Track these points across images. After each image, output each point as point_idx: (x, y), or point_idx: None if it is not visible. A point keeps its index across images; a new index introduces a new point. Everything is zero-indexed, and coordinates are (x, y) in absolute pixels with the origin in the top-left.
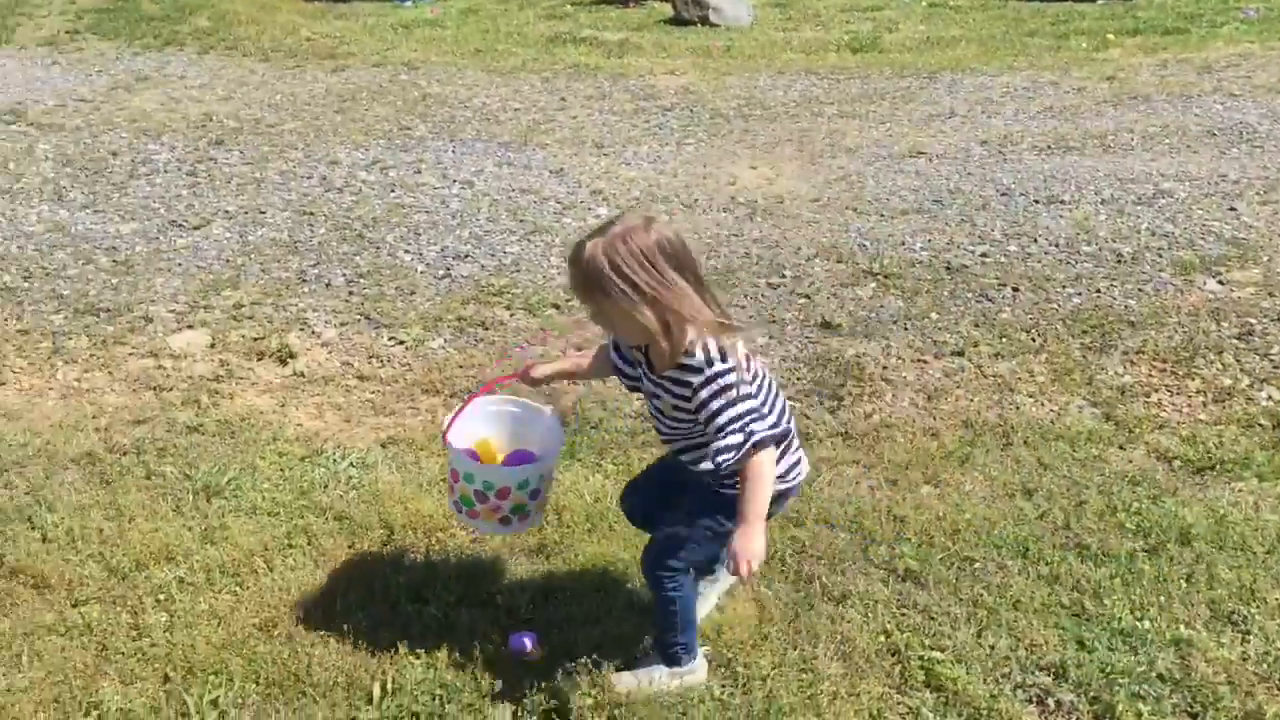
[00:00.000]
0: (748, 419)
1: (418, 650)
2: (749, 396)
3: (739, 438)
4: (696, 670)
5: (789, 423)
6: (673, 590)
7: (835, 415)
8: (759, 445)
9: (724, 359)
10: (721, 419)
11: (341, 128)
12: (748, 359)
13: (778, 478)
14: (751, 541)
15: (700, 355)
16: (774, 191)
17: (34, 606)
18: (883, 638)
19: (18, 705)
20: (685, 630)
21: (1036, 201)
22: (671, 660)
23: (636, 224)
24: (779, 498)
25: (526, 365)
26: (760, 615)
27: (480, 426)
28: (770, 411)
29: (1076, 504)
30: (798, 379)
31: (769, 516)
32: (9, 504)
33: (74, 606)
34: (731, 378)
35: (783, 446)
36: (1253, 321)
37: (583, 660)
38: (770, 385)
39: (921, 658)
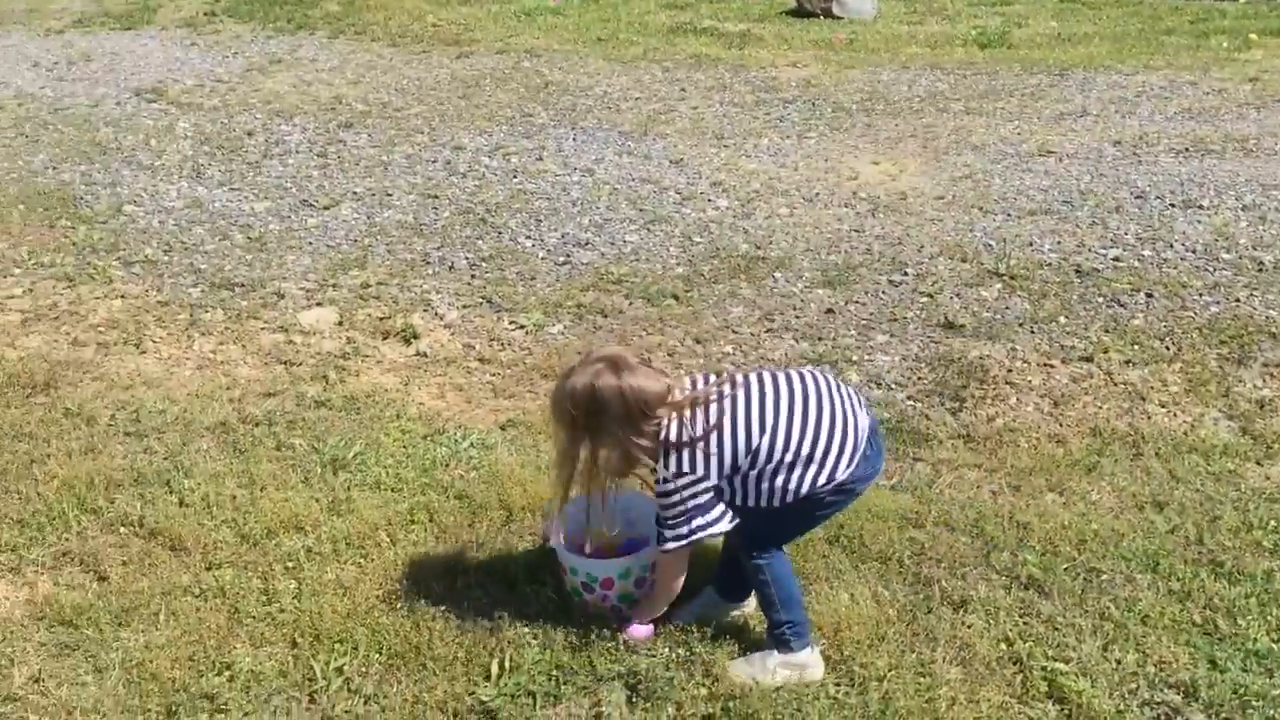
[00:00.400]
0: (671, 523)
1: (535, 631)
2: (693, 495)
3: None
4: (809, 665)
5: (797, 436)
6: (762, 559)
7: (956, 417)
8: (664, 547)
9: (670, 466)
10: (660, 512)
11: (465, 113)
12: (693, 407)
13: (823, 476)
14: (644, 612)
15: (659, 466)
16: (897, 188)
17: (171, 568)
18: (1004, 645)
19: (155, 661)
20: (788, 608)
21: (1173, 205)
22: (780, 643)
23: (591, 368)
24: (836, 491)
25: None
26: (879, 616)
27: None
28: (730, 495)
29: (1210, 519)
30: (919, 379)
31: (836, 507)
32: (149, 468)
33: (208, 570)
34: (674, 485)
35: (809, 455)
36: None
37: (697, 649)
38: (741, 412)
39: (1044, 668)
